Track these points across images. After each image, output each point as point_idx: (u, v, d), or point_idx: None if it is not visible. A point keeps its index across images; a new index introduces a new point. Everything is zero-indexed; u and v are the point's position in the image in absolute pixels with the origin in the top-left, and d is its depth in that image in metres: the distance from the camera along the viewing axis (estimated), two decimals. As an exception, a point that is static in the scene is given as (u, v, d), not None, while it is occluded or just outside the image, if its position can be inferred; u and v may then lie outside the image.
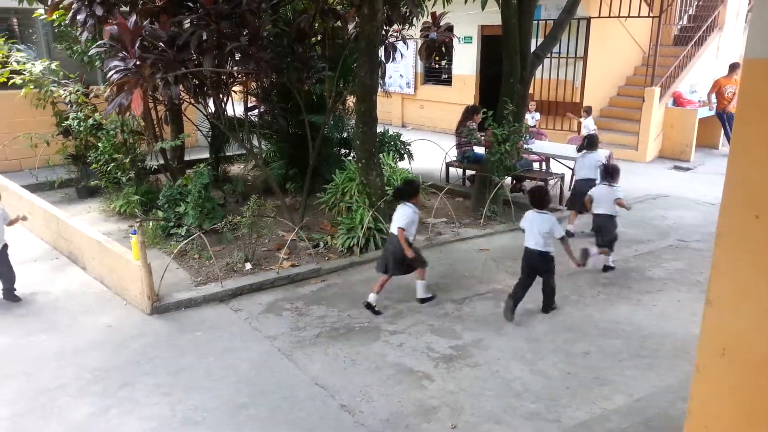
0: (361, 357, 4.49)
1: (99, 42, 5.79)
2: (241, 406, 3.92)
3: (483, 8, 7.40)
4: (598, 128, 11.90)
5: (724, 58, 12.69)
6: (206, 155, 9.07)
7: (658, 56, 11.35)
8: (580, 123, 10.78)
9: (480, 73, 13.83)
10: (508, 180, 7.87)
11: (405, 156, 8.89)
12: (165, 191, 7.07)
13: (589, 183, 6.82)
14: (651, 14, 11.39)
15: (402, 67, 14.74)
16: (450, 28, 7.96)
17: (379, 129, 7.32)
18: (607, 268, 6.08)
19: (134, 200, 7.48)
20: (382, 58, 7.54)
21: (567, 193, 8.57)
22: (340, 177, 7.21)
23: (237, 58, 6.56)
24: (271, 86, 7.95)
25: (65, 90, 8.38)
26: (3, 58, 8.38)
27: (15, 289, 5.50)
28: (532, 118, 10.69)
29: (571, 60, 11.91)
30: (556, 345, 4.65)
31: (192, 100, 7.43)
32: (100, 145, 7.76)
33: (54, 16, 7.17)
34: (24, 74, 8.30)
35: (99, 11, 5.95)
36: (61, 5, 6.46)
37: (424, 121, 15.03)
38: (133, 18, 5.45)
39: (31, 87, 8.37)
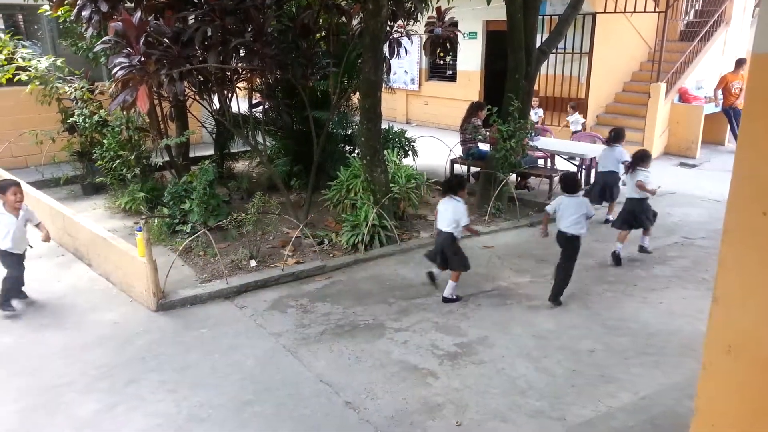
0: (365, 354, 4.49)
1: (104, 38, 5.80)
2: (246, 403, 3.93)
3: (488, 4, 7.38)
4: (603, 124, 11.88)
5: (730, 54, 12.60)
6: (211, 152, 9.07)
7: (664, 52, 11.28)
8: (567, 121, 10.84)
9: (485, 69, 13.78)
10: (513, 177, 7.84)
11: (409, 153, 8.87)
12: (170, 188, 7.07)
13: (613, 175, 7.12)
14: (657, 9, 11.32)
15: (406, 63, 14.70)
16: (455, 24, 7.93)
17: (384, 125, 7.31)
18: (642, 249, 6.37)
19: (139, 197, 7.50)
20: (387, 54, 7.53)
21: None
22: (345, 174, 7.20)
23: (241, 54, 6.56)
24: (275, 82, 7.95)
25: (70, 86, 8.39)
26: (8, 54, 8.39)
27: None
28: (535, 115, 10.65)
29: (577, 56, 11.85)
30: (561, 343, 4.64)
31: (197, 97, 7.43)
32: (105, 141, 7.77)
33: (59, 12, 7.20)
34: (29, 71, 8.31)
35: (104, 7, 5.96)
36: (66, 1, 6.47)
37: (428, 118, 15.00)
38: (138, 14, 5.46)
39: (37, 83, 8.39)
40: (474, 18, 12.93)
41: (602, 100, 12.25)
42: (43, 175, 9.00)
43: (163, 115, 8.03)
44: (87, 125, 8.14)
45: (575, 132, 10.62)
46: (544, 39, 7.96)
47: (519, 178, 8.83)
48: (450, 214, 5.27)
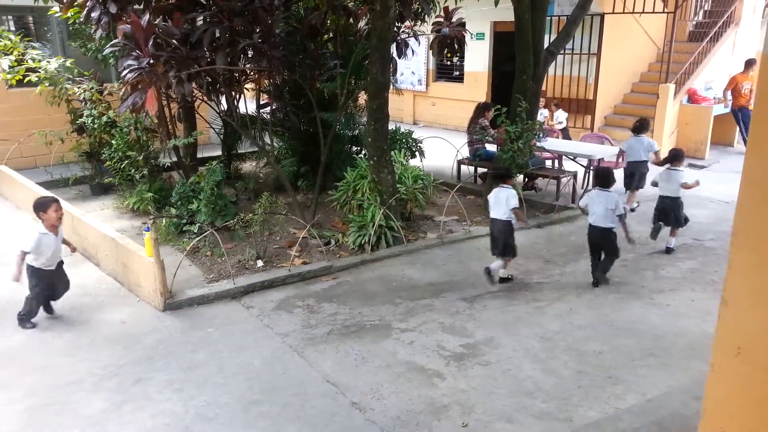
0: (372, 354, 4.49)
1: (113, 41, 5.83)
2: (253, 403, 3.94)
3: (496, 5, 7.37)
4: (611, 125, 11.85)
5: (740, 55, 12.51)
6: (219, 153, 9.11)
7: (673, 52, 11.23)
8: (552, 119, 10.85)
9: (492, 70, 13.76)
10: (520, 178, 7.83)
11: (416, 153, 8.87)
12: (178, 188, 7.11)
13: (640, 165, 7.43)
14: (666, 10, 11.27)
15: (414, 64, 14.70)
16: (462, 24, 7.92)
17: (391, 126, 7.31)
18: (669, 250, 6.41)
19: (147, 197, 7.53)
20: (394, 55, 7.53)
21: (579, 191, 8.53)
22: (352, 174, 7.21)
23: (249, 56, 6.58)
24: (283, 83, 7.97)
25: (80, 87, 8.45)
26: (19, 56, 8.46)
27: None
28: (540, 115, 10.63)
29: (585, 56, 11.82)
30: (568, 344, 4.63)
31: (205, 98, 7.46)
32: (113, 142, 7.82)
33: (69, 14, 7.24)
34: (39, 72, 8.37)
35: (113, 8, 6.00)
36: (75, 3, 6.52)
37: (435, 119, 14.99)
38: (147, 16, 5.48)
39: (46, 84, 8.45)
40: (481, 19, 12.93)
41: (610, 101, 12.21)
42: (52, 175, 9.06)
43: (171, 116, 8.07)
44: (96, 126, 8.19)
45: (561, 129, 10.62)
46: (551, 40, 7.94)
47: (526, 179, 8.81)
48: (502, 202, 5.52)
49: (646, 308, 5.22)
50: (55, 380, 4.20)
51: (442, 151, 10.16)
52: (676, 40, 11.45)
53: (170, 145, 7.63)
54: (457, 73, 14.72)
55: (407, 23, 7.82)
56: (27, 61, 8.43)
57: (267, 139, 7.80)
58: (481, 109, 9.05)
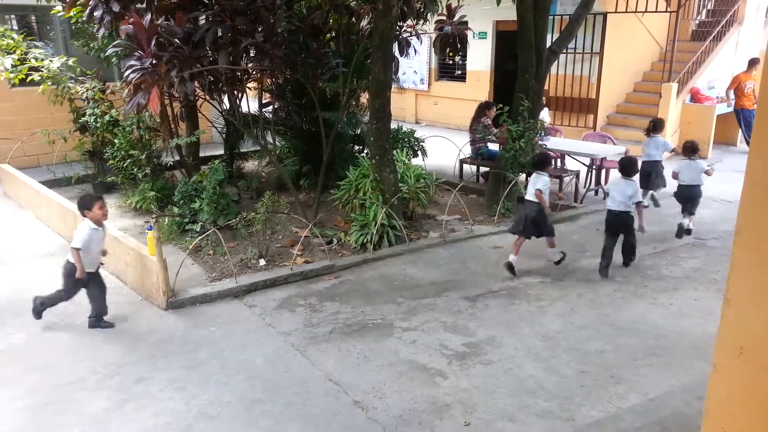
0: (374, 353, 4.50)
1: (116, 42, 5.84)
2: (255, 402, 3.95)
3: (498, 4, 7.36)
4: (614, 124, 11.83)
5: (743, 54, 12.49)
6: (221, 152, 9.11)
7: (676, 52, 11.21)
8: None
9: (495, 69, 13.75)
10: (522, 177, 7.82)
11: (419, 153, 8.87)
12: (180, 187, 7.11)
13: (655, 164, 7.53)
14: (669, 9, 11.24)
15: (416, 63, 14.70)
16: (465, 22, 7.91)
17: (393, 125, 7.31)
18: (689, 231, 6.74)
19: (150, 196, 7.54)
20: (396, 54, 7.53)
21: (582, 191, 8.52)
22: (354, 173, 7.21)
23: (252, 55, 6.59)
24: (285, 82, 7.98)
25: (82, 86, 8.46)
26: (21, 55, 8.47)
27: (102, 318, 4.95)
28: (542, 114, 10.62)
29: (588, 56, 11.80)
30: (570, 343, 4.62)
31: (207, 97, 7.47)
32: (116, 141, 7.83)
33: (71, 13, 7.25)
34: (42, 71, 8.39)
35: (115, 8, 6.01)
36: (78, 2, 6.53)
37: (437, 118, 14.99)
38: (149, 16, 5.49)
39: (49, 83, 8.47)
40: (484, 18, 12.91)
41: (613, 100, 12.18)
42: (55, 174, 9.08)
43: (174, 115, 8.08)
44: (98, 125, 8.20)
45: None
46: (554, 39, 7.93)
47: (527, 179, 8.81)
48: (533, 182, 5.84)
49: (648, 307, 5.21)
50: (57, 379, 4.21)
51: (444, 150, 10.15)
52: (678, 39, 11.42)
53: (173, 144, 7.63)
54: (460, 72, 14.71)
55: (409, 22, 7.82)
56: (30, 60, 8.45)
57: (269, 138, 7.80)
58: (483, 108, 9.05)
